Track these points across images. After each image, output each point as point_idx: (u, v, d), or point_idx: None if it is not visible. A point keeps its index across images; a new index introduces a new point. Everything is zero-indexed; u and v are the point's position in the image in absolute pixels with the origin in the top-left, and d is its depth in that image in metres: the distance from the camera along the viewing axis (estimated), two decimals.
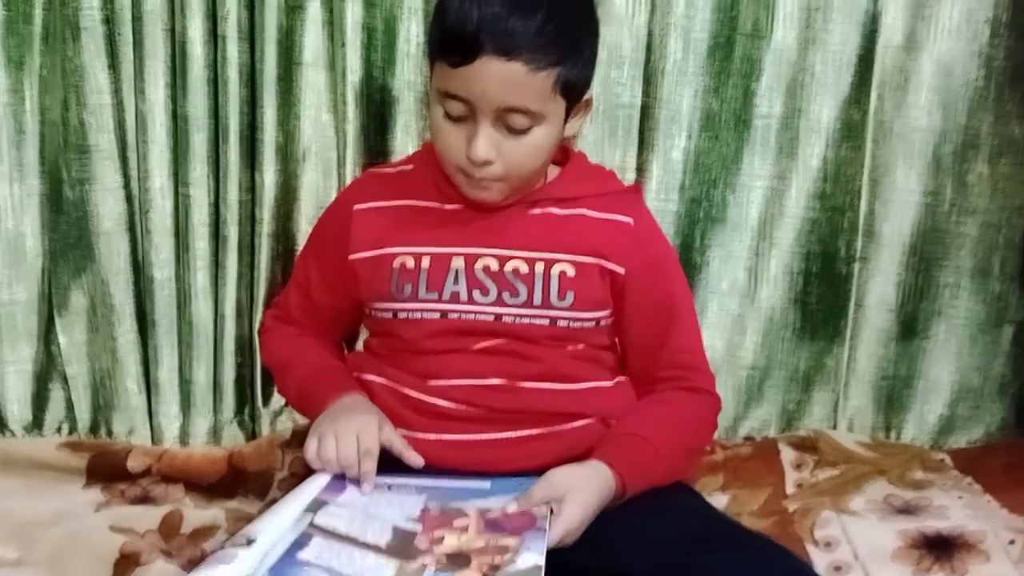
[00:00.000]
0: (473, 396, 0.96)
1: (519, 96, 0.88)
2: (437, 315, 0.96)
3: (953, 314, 1.28)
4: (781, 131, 1.24)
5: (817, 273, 1.27)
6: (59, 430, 1.24)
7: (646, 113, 1.21)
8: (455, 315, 0.96)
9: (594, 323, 0.99)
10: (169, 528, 1.06)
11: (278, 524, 0.81)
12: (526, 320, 0.96)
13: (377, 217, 1.00)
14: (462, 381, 0.96)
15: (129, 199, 1.20)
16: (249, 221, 1.19)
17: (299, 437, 1.20)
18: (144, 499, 1.12)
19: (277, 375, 1.12)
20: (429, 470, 0.92)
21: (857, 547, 1.05)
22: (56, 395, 1.24)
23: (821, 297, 1.28)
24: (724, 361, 1.28)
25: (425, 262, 0.97)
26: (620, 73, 1.19)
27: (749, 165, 1.24)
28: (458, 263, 0.96)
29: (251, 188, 1.18)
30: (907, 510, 1.13)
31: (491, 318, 0.96)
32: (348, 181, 1.17)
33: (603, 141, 1.21)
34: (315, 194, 1.20)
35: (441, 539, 0.82)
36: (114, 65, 1.16)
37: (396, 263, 0.97)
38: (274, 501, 0.98)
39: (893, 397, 1.32)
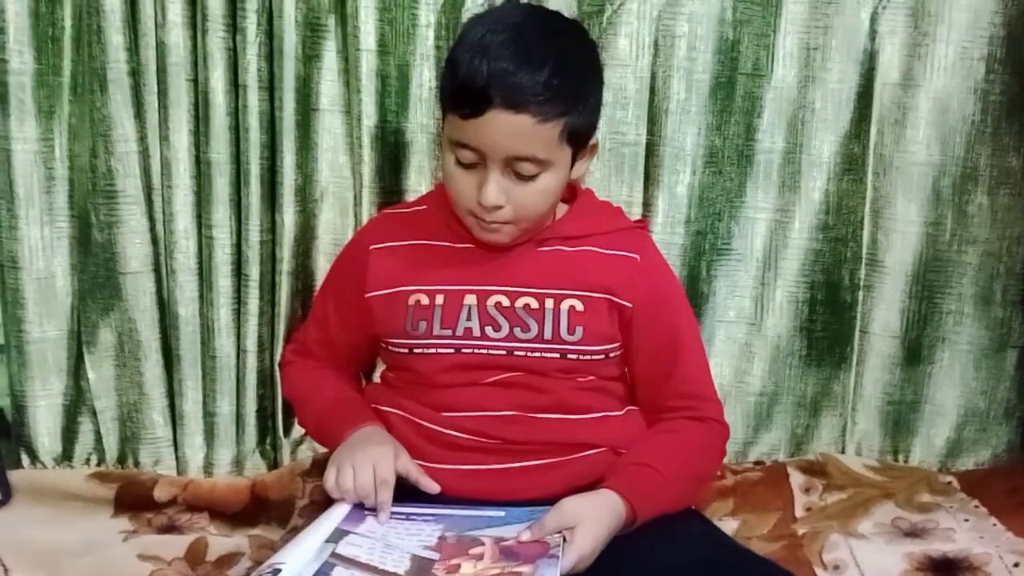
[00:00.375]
0: (486, 427, 0.98)
1: (527, 146, 0.90)
2: (451, 350, 0.99)
3: (957, 340, 1.30)
4: (783, 165, 1.26)
5: (822, 301, 1.30)
6: (88, 461, 1.27)
7: (651, 150, 1.23)
8: (468, 350, 0.99)
9: (603, 356, 1.01)
10: (195, 556, 1.08)
11: (302, 554, 0.83)
12: (537, 354, 0.98)
13: (392, 256, 1.03)
14: (475, 413, 0.98)
15: (155, 241, 1.23)
16: (270, 260, 1.22)
17: (319, 466, 1.22)
18: (170, 528, 1.14)
19: (297, 407, 1.15)
20: (444, 499, 0.95)
21: (865, 570, 1.07)
22: (85, 428, 1.27)
23: (827, 325, 1.30)
24: (732, 388, 1.30)
25: (439, 299, 0.99)
26: (625, 113, 1.22)
27: (752, 198, 1.27)
28: (471, 300, 0.99)
29: (271, 228, 1.21)
30: (914, 533, 1.15)
31: (503, 352, 0.98)
32: (364, 220, 1.21)
33: (610, 178, 1.24)
34: (332, 232, 1.24)
35: (458, 567, 0.83)
36: (140, 114, 1.19)
37: (411, 300, 1.00)
38: (296, 528, 1.01)
39: (900, 421, 1.33)
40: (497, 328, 0.99)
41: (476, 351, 0.99)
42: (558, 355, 0.99)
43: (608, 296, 1.00)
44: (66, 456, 1.27)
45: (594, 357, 1.00)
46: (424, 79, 1.20)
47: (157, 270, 1.24)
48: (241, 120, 1.17)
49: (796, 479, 1.26)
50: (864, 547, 1.11)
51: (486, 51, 0.89)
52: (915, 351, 1.31)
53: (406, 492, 0.94)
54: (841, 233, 1.28)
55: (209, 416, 1.25)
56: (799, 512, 1.20)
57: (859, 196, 1.27)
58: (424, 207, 1.08)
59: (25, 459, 1.25)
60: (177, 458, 1.27)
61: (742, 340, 1.30)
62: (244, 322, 1.22)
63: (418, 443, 0.99)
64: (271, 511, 1.18)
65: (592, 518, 0.88)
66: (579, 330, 0.99)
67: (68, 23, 1.16)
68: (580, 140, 0.95)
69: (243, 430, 1.26)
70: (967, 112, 1.24)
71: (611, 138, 1.22)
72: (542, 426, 0.99)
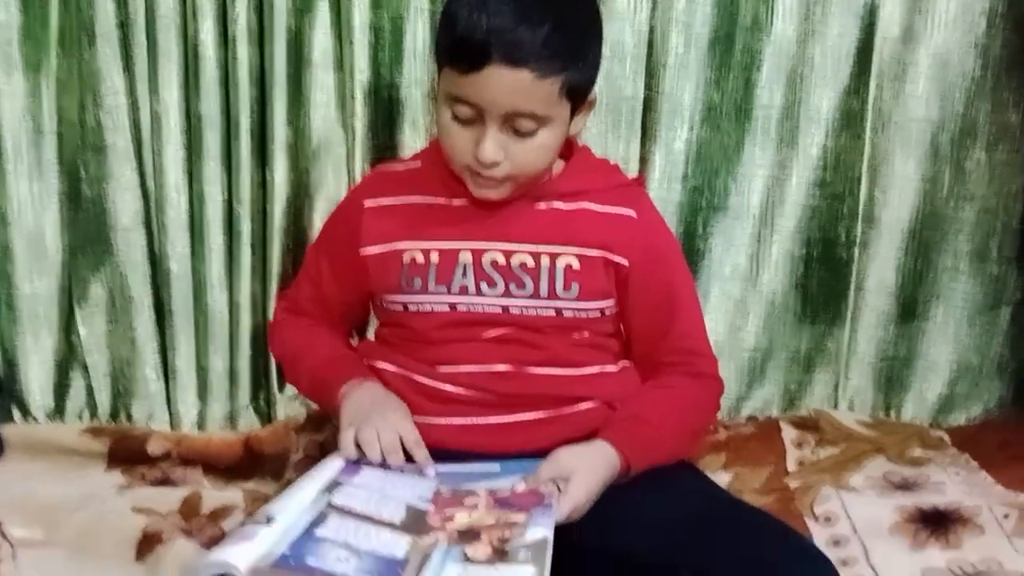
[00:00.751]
0: (481, 382, 0.98)
1: (526, 102, 0.89)
2: (446, 307, 0.99)
3: (951, 296, 1.31)
4: (781, 121, 1.25)
5: (818, 258, 1.30)
6: (80, 417, 1.27)
7: (649, 106, 1.23)
8: (464, 307, 0.98)
9: (599, 313, 1.01)
10: (189, 509, 1.09)
11: (296, 503, 0.83)
12: (532, 311, 0.98)
13: (387, 214, 1.02)
14: (471, 368, 0.99)
15: (145, 196, 1.22)
16: (261, 216, 1.21)
17: (313, 421, 1.23)
18: (164, 481, 1.15)
19: (288, 365, 1.14)
20: (440, 453, 0.95)
21: (856, 522, 1.08)
22: (77, 383, 1.27)
23: (822, 281, 1.31)
24: (727, 344, 1.31)
25: (434, 257, 0.99)
26: (623, 67, 1.21)
27: (750, 155, 1.26)
28: (466, 257, 0.98)
29: (263, 184, 1.20)
30: (905, 486, 1.16)
31: (499, 310, 0.98)
32: (357, 176, 1.20)
33: (607, 133, 1.23)
34: (325, 189, 1.23)
35: (452, 517, 0.84)
36: (129, 67, 1.18)
37: (406, 258, 1.00)
38: (290, 482, 1.01)
39: (893, 377, 1.34)
40: (492, 285, 0.98)
41: (471, 308, 0.99)
42: (553, 312, 0.99)
43: (604, 253, 1.00)
44: (58, 411, 1.27)
45: (590, 314, 1.00)
46: (418, 33, 1.19)
47: (148, 225, 1.23)
48: (231, 74, 1.16)
49: (788, 434, 1.28)
50: (855, 500, 1.13)
51: (484, 5, 0.87)
52: (909, 307, 1.32)
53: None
54: (838, 190, 1.28)
55: (202, 371, 1.25)
56: (791, 466, 1.21)
57: (857, 152, 1.26)
58: (419, 164, 1.07)
59: (17, 414, 1.25)
60: (170, 413, 1.27)
61: (737, 296, 1.31)
62: (236, 278, 1.22)
63: (413, 398, 0.99)
64: (265, 465, 1.19)
65: (586, 469, 0.89)
66: (575, 287, 0.98)
67: None
68: (579, 96, 0.94)
69: (237, 385, 1.26)
70: (967, 67, 1.23)
71: (608, 93, 1.21)
72: (537, 381, 0.99)
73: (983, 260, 1.30)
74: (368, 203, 1.03)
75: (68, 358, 1.26)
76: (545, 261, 0.98)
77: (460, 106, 0.91)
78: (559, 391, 0.99)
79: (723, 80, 1.23)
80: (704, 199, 1.27)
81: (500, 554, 0.78)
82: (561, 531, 0.81)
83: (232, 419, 1.27)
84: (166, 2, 1.13)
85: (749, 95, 1.24)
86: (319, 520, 0.81)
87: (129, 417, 1.27)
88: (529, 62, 0.87)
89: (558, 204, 1.01)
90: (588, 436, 0.95)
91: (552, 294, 0.98)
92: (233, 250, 1.22)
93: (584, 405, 0.99)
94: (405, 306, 1.01)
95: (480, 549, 0.79)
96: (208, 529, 1.05)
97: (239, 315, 1.23)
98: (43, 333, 1.24)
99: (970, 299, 1.31)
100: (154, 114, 1.18)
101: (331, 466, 0.92)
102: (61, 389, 1.27)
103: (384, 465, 0.93)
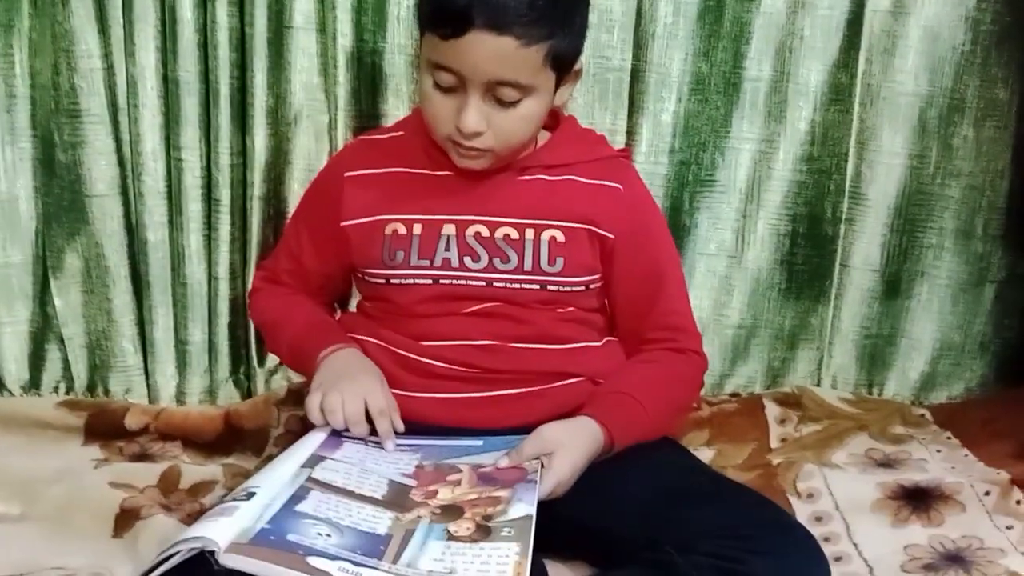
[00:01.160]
0: (465, 356, 0.97)
1: (509, 70, 0.88)
2: (429, 281, 0.98)
3: (936, 274, 1.31)
4: (770, 94, 1.24)
5: (803, 234, 1.29)
6: (56, 389, 1.26)
7: (636, 76, 1.21)
8: (447, 281, 0.97)
9: (584, 287, 1.00)
10: (168, 484, 1.07)
11: (277, 478, 0.83)
12: (517, 285, 0.97)
13: (368, 184, 1.00)
14: (454, 342, 0.98)
15: (121, 162, 1.20)
16: (240, 184, 1.19)
17: (294, 395, 1.22)
18: (142, 456, 1.13)
19: (268, 333, 1.13)
20: (422, 428, 0.95)
21: (838, 498, 1.08)
22: (53, 355, 1.25)
23: (807, 258, 1.30)
24: (711, 320, 1.30)
25: (417, 229, 0.98)
26: (610, 37, 1.19)
27: (738, 128, 1.25)
28: (449, 230, 0.97)
29: (242, 151, 1.18)
30: (887, 463, 1.16)
31: (482, 284, 0.97)
32: (339, 144, 1.18)
33: (593, 104, 1.21)
34: (306, 157, 1.21)
35: (435, 492, 0.84)
36: (104, 29, 1.15)
37: (388, 230, 0.98)
38: (271, 457, 1.01)
39: (876, 355, 1.34)
40: (476, 259, 0.97)
41: (455, 282, 0.98)
42: (538, 286, 0.98)
43: (590, 227, 0.99)
44: (34, 384, 1.25)
45: (574, 289, 1.00)
46: None
47: (124, 193, 1.21)
48: (210, 37, 1.13)
49: (772, 411, 1.28)
50: (838, 476, 1.13)
51: None
52: (894, 285, 1.31)
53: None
54: (825, 165, 1.27)
55: (181, 344, 1.24)
56: (774, 443, 1.21)
57: (845, 127, 1.26)
58: (401, 133, 1.05)
59: None
60: (148, 387, 1.25)
61: (722, 273, 1.30)
62: (215, 248, 1.20)
63: (396, 372, 0.98)
64: (246, 440, 1.17)
65: (570, 444, 0.89)
66: (560, 261, 0.98)
67: None
68: (564, 65, 0.93)
69: (216, 359, 1.25)
70: (957, 41, 1.22)
71: (595, 63, 1.19)
72: (521, 355, 0.98)
73: (968, 238, 1.29)
74: (349, 173, 1.02)
75: (43, 329, 1.24)
76: (529, 234, 0.97)
77: (442, 73, 0.89)
78: (543, 366, 0.98)
79: (712, 51, 1.22)
80: (691, 173, 1.26)
81: (483, 531, 0.78)
82: (544, 506, 0.81)
83: (211, 393, 1.25)
84: None
85: (738, 67, 1.23)
86: (300, 495, 0.81)
87: (106, 391, 1.25)
88: (513, 28, 0.86)
89: (543, 176, 1.00)
90: (572, 412, 0.95)
91: (536, 268, 0.97)
92: (211, 219, 1.19)
93: (568, 380, 0.99)
94: (387, 279, 0.99)
95: (463, 526, 0.79)
96: (187, 504, 1.03)
97: (218, 286, 1.21)
98: (17, 304, 1.22)
99: (954, 277, 1.31)
100: (130, 78, 1.15)
101: (312, 440, 0.91)
102: (36, 361, 1.25)
103: (368, 439, 0.92)
